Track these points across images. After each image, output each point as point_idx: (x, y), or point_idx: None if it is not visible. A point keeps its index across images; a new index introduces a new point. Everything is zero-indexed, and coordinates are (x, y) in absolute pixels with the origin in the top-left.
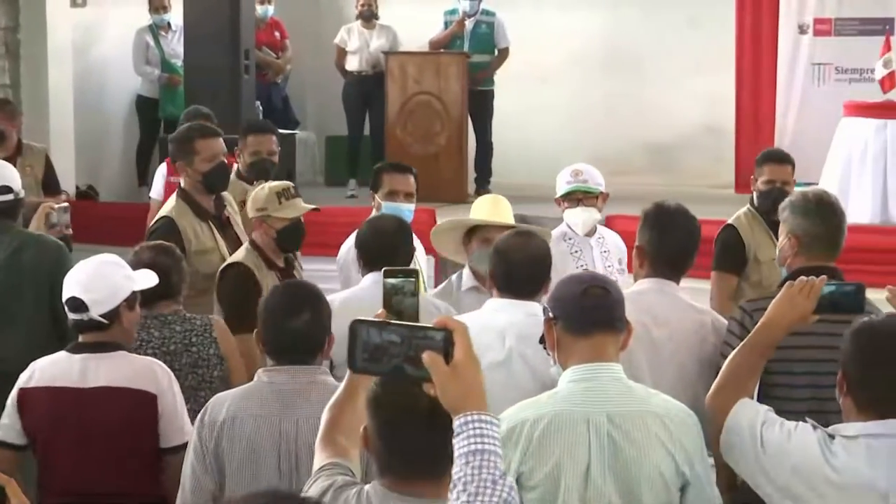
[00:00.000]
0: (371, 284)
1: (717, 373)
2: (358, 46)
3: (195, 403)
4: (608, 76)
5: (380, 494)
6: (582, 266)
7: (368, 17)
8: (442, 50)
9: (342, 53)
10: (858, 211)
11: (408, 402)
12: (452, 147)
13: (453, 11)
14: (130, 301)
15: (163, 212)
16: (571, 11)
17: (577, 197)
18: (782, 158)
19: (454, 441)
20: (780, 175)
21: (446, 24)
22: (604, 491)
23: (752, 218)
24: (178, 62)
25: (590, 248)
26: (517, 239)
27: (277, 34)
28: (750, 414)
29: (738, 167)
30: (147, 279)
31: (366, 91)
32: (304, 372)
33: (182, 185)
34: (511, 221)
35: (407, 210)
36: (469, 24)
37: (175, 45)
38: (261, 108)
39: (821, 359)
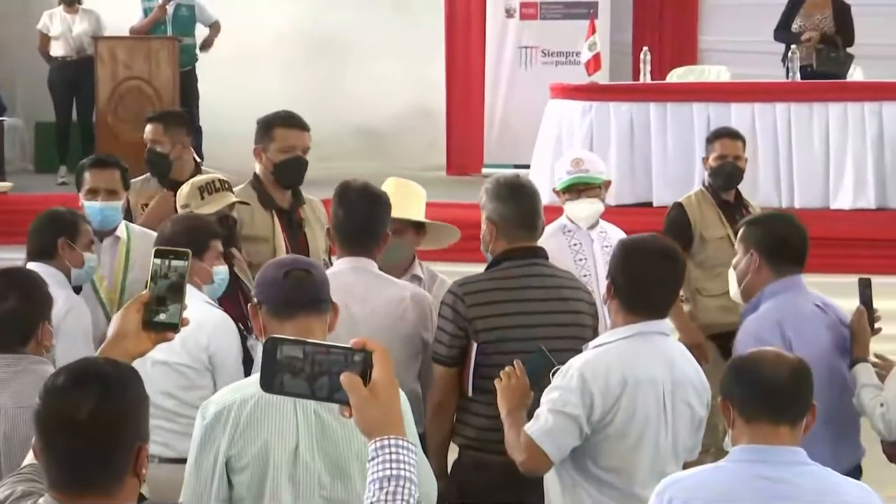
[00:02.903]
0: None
1: (422, 346)
2: (61, 31)
3: None
4: (317, 60)
5: None
6: (581, 260)
7: (71, 1)
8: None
9: (45, 39)
10: None
11: (66, 413)
12: None
13: None
14: None
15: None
16: None
17: (580, 188)
18: (733, 134)
19: (368, 465)
20: (732, 150)
21: (146, 11)
22: (313, 469)
23: (702, 197)
24: None
25: (590, 241)
26: None
27: None
28: (541, 419)
29: (449, 150)
30: None
31: (71, 77)
32: (11, 361)
33: (256, 171)
34: (421, 212)
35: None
36: (170, 8)
37: None
38: None
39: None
